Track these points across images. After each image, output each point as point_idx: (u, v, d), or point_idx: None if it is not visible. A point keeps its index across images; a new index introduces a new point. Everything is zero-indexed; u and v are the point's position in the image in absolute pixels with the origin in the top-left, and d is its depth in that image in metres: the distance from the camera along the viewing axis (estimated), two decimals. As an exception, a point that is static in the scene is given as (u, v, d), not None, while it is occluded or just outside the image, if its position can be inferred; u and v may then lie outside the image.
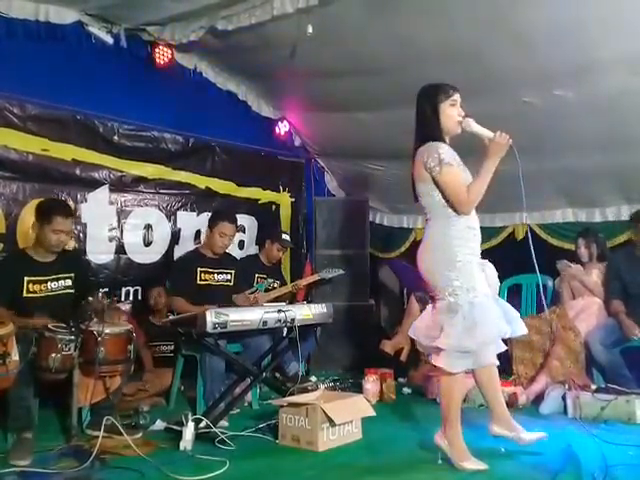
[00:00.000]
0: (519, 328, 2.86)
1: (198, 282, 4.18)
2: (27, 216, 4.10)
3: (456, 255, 2.72)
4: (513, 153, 2.74)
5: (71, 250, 3.56)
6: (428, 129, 2.82)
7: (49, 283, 3.44)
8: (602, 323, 4.18)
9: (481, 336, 2.67)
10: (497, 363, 2.89)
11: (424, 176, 2.78)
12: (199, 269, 4.20)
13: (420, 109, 2.86)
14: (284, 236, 5.15)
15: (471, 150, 2.78)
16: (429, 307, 2.95)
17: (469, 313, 2.67)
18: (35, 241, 3.47)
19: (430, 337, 2.81)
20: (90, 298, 3.32)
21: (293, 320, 3.65)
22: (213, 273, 4.26)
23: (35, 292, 3.39)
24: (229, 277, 4.34)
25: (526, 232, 4.63)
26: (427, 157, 2.75)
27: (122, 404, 3.64)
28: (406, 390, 4.55)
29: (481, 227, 2.91)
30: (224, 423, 3.47)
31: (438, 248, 2.78)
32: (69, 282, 3.52)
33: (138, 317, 4.38)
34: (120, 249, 4.77)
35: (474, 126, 2.80)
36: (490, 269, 2.91)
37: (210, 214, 4.57)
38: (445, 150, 2.76)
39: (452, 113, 2.81)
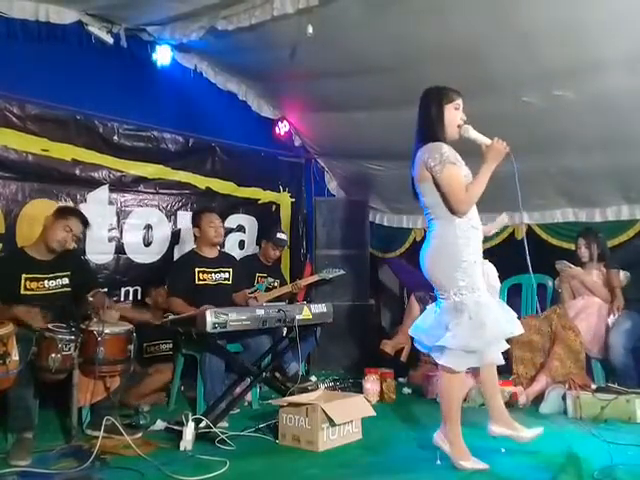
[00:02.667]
0: (517, 328, 2.87)
1: (196, 282, 4.18)
2: (27, 216, 4.12)
3: (461, 255, 2.73)
4: (510, 160, 2.78)
5: (69, 249, 3.58)
6: (431, 130, 2.82)
7: (46, 281, 3.45)
8: (624, 326, 4.17)
9: (488, 336, 2.70)
10: (502, 362, 2.91)
11: (425, 176, 2.78)
12: (197, 269, 4.20)
13: (424, 110, 2.87)
14: (279, 235, 5.12)
15: (469, 153, 2.81)
16: (430, 306, 2.96)
17: (475, 313, 2.69)
18: (39, 237, 3.48)
19: (433, 336, 2.80)
20: (91, 298, 3.34)
21: (293, 320, 3.65)
22: (211, 273, 4.26)
23: (33, 290, 3.40)
24: (227, 276, 4.33)
25: (526, 232, 4.66)
26: (428, 157, 2.76)
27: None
28: (406, 390, 4.55)
29: (482, 227, 2.92)
30: (224, 423, 3.47)
31: (443, 248, 2.79)
32: (66, 280, 3.53)
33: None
34: (120, 249, 4.76)
35: (472, 132, 2.84)
36: (491, 269, 2.92)
37: (192, 215, 4.59)
38: (446, 150, 2.77)
39: (454, 117, 2.83)
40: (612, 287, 4.33)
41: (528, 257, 2.89)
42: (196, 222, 4.32)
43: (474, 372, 2.98)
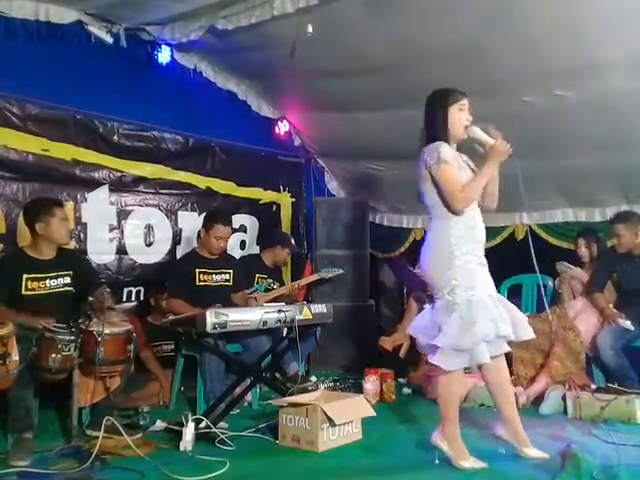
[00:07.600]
0: (524, 332, 2.84)
1: (197, 284, 4.17)
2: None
3: (454, 254, 2.74)
4: (512, 160, 2.80)
5: (70, 249, 3.57)
6: (435, 131, 2.86)
7: (48, 281, 3.44)
8: (612, 327, 4.13)
9: (477, 334, 2.68)
10: (487, 361, 2.77)
11: (425, 175, 2.82)
12: (197, 270, 4.19)
13: (429, 112, 2.91)
14: (294, 242, 5.21)
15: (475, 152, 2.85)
16: (428, 306, 2.96)
17: (466, 312, 2.69)
18: (34, 240, 3.47)
19: (428, 335, 2.82)
20: (90, 298, 3.33)
21: (293, 320, 3.64)
22: (211, 274, 4.25)
23: (34, 289, 3.40)
24: (227, 277, 4.33)
25: (526, 232, 4.67)
26: (427, 156, 2.80)
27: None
28: (406, 390, 4.54)
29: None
30: (224, 423, 3.46)
31: (437, 247, 2.81)
32: (68, 280, 3.52)
33: (141, 317, 4.40)
34: (121, 249, 4.75)
35: (477, 133, 2.86)
36: None
37: (205, 214, 4.57)
38: (445, 149, 2.79)
39: (460, 117, 2.86)
40: (601, 309, 4.23)
41: (534, 258, 2.96)
42: (206, 225, 4.27)
43: (476, 372, 2.97)
